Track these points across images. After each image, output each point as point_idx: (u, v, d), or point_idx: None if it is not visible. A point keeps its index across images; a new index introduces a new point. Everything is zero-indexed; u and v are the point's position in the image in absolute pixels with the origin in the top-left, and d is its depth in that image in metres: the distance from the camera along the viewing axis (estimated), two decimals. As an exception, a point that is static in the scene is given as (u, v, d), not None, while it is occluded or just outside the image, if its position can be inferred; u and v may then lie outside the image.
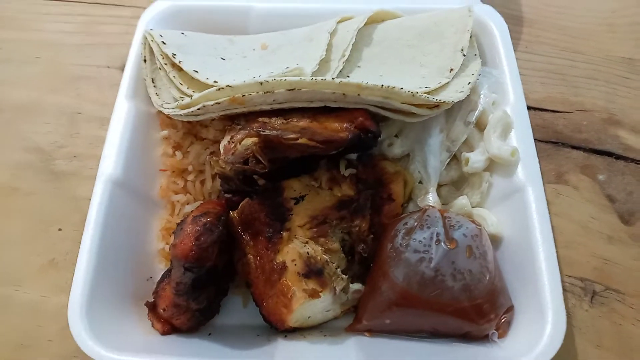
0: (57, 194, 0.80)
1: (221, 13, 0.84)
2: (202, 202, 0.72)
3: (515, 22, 0.98)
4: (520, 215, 0.67)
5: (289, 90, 0.62)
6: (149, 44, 0.76)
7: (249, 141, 0.61)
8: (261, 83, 0.62)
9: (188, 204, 0.74)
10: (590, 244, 0.76)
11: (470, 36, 0.78)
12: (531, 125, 0.84)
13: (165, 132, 0.76)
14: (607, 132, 0.86)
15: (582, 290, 0.73)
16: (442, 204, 0.73)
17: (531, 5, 1.00)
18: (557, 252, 0.73)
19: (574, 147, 0.84)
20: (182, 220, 0.61)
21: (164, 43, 0.73)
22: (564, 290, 0.72)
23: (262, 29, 0.83)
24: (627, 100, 0.89)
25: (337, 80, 0.63)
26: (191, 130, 0.76)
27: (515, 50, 0.92)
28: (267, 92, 0.62)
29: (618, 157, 0.83)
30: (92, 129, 0.86)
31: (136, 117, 0.74)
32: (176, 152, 0.75)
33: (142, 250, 0.71)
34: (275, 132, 0.60)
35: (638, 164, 0.83)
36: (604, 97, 0.89)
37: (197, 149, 0.75)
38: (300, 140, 0.60)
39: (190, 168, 0.74)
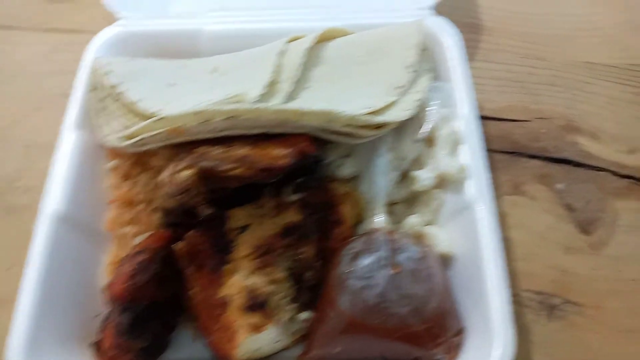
0: (8, 230, 0.79)
1: (172, 37, 0.83)
2: (150, 233, 0.71)
3: (474, 31, 0.97)
4: (470, 233, 0.66)
5: (227, 118, 0.61)
6: (96, 73, 0.75)
7: (187, 173, 0.60)
8: (197, 113, 0.62)
9: (137, 235, 0.72)
10: (548, 255, 0.75)
11: (424, 49, 0.78)
12: (488, 136, 0.84)
13: (112, 163, 0.75)
14: (565, 140, 0.85)
15: (539, 304, 0.72)
16: (395, 223, 0.72)
17: (491, 13, 0.99)
18: (514, 265, 0.74)
19: (531, 157, 0.83)
20: (124, 257, 0.61)
21: (110, 72, 0.72)
22: (522, 305, 0.72)
23: (214, 51, 0.82)
24: (587, 106, 0.88)
25: (275, 107, 0.62)
26: (140, 160, 0.75)
27: (473, 59, 0.93)
28: (205, 121, 0.62)
29: (577, 164, 0.82)
30: (46, 161, 0.85)
31: (82, 148, 0.73)
32: (124, 183, 0.74)
33: (90, 286, 0.70)
34: (212, 163, 0.59)
35: (597, 170, 0.82)
36: (564, 104, 0.88)
37: (145, 179, 0.73)
38: (237, 171, 0.59)
39: (138, 198, 0.73)
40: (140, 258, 0.56)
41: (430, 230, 0.69)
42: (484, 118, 0.87)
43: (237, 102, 0.65)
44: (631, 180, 0.80)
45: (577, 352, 0.69)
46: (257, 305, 0.60)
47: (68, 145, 0.73)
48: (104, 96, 0.73)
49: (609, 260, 0.74)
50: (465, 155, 0.70)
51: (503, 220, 0.78)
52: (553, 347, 0.69)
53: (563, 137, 0.85)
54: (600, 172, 0.81)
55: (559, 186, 0.80)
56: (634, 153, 0.83)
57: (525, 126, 0.86)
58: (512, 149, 0.84)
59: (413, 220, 0.69)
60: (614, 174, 0.81)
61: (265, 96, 0.69)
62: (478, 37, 0.97)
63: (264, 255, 0.64)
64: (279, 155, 0.61)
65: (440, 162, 0.69)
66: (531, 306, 0.72)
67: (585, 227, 0.77)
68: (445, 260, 0.68)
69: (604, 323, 0.71)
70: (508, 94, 0.90)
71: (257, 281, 0.62)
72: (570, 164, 0.82)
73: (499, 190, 0.80)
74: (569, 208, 0.79)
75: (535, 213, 0.78)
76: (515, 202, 0.79)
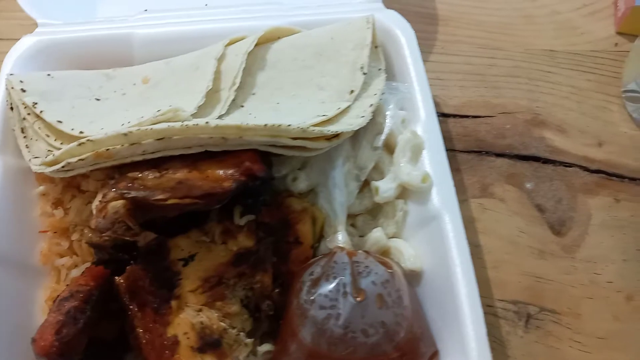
0: None
1: (100, 43, 0.75)
2: (89, 264, 0.63)
3: (429, 22, 0.92)
4: (437, 245, 0.61)
5: (159, 139, 0.54)
6: (12, 91, 0.66)
7: (117, 204, 0.53)
8: (125, 134, 0.54)
9: (76, 266, 0.65)
10: (520, 261, 0.71)
11: (376, 46, 0.72)
12: (452, 135, 0.79)
13: (41, 188, 0.67)
14: (532, 135, 0.81)
15: (515, 314, 0.68)
16: (360, 236, 0.66)
17: (445, 1, 0.94)
18: (485, 274, 0.70)
19: (498, 155, 0.79)
20: (54, 300, 0.53)
21: (24, 90, 0.64)
22: (496, 316, 0.68)
23: (147, 57, 0.74)
24: (551, 97, 0.84)
25: (213, 123, 0.55)
26: (71, 183, 0.67)
27: (430, 52, 0.88)
28: (133, 143, 0.54)
29: (545, 161, 0.78)
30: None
31: (5, 173, 0.65)
32: (56, 210, 0.66)
33: (25, 327, 0.62)
34: (143, 192, 0.52)
35: (566, 166, 0.78)
36: (527, 96, 0.84)
37: (78, 204, 0.66)
38: (170, 201, 0.52)
39: (73, 226, 0.66)
40: (68, 306, 0.49)
41: (396, 244, 0.64)
42: (445, 115, 0.82)
43: (171, 119, 0.57)
44: (601, 175, 0.77)
45: (557, 363, 0.65)
46: (209, 344, 0.54)
47: (-12, 171, 0.64)
48: (22, 117, 0.65)
49: (583, 264, 0.71)
50: (427, 161, 0.65)
51: (472, 226, 0.73)
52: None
53: (529, 132, 0.81)
54: (569, 168, 0.78)
55: (528, 185, 0.76)
56: (602, 146, 0.79)
57: (489, 122, 0.82)
58: (477, 148, 0.79)
59: (377, 235, 0.64)
60: (584, 169, 0.77)
61: (203, 107, 0.63)
62: (433, 28, 0.91)
63: (214, 287, 0.57)
64: (222, 177, 0.54)
65: (401, 171, 0.64)
66: (507, 317, 0.68)
67: (557, 228, 0.73)
68: (413, 277, 0.63)
69: (582, 331, 0.67)
70: (469, 88, 0.85)
71: (208, 317, 0.55)
72: (538, 161, 0.78)
73: (466, 194, 0.75)
74: (540, 208, 0.75)
75: (505, 216, 0.74)
76: (484, 205, 0.75)
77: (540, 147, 0.79)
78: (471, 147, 0.79)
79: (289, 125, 0.56)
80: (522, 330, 0.67)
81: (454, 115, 0.82)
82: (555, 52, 0.89)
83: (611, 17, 0.91)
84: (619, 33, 0.89)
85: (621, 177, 0.77)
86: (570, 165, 0.78)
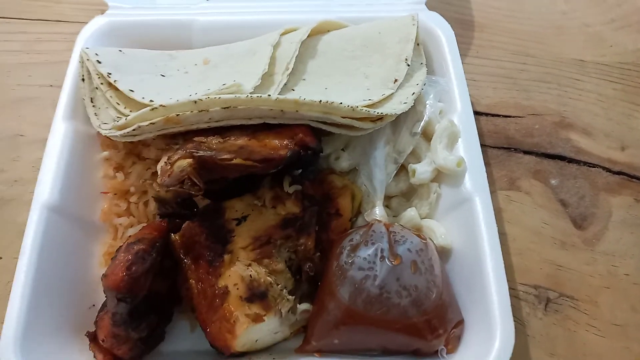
0: (-6, 222, 0.77)
1: (163, 27, 0.82)
2: (144, 224, 0.69)
3: (465, 27, 0.97)
4: (468, 226, 0.66)
5: (225, 108, 0.60)
6: (85, 63, 0.73)
7: (184, 163, 0.59)
8: (195, 102, 0.60)
9: (131, 226, 0.72)
10: (543, 250, 0.76)
11: (418, 44, 0.77)
12: (483, 132, 0.84)
13: (105, 154, 0.73)
14: (558, 136, 0.85)
15: (535, 298, 0.72)
16: (393, 216, 0.72)
17: (481, 9, 1.00)
18: (510, 260, 0.74)
19: (525, 152, 0.84)
20: (119, 247, 0.59)
21: (99, 62, 0.71)
22: (518, 298, 0.72)
23: (206, 42, 0.81)
24: (579, 103, 0.89)
25: (274, 96, 0.61)
26: (133, 150, 0.74)
27: (466, 55, 0.93)
28: (202, 110, 0.61)
29: (570, 160, 0.83)
30: (34, 152, 0.83)
31: (74, 138, 0.72)
32: (117, 174, 0.72)
33: (83, 277, 0.69)
34: (209, 152, 0.58)
35: (590, 166, 0.82)
36: (556, 100, 0.89)
37: (138, 170, 0.72)
38: (235, 161, 0.58)
39: (132, 189, 0.72)
40: (137, 248, 0.55)
41: (428, 224, 0.69)
42: (477, 114, 0.87)
43: (235, 92, 0.63)
44: (623, 177, 0.81)
45: (573, 345, 0.69)
46: (256, 295, 0.59)
47: (59, 136, 0.71)
48: (94, 86, 0.72)
49: (602, 256, 0.75)
50: (462, 149, 0.70)
51: (499, 215, 0.78)
52: (549, 341, 0.70)
53: (556, 133, 0.85)
54: (593, 168, 0.82)
55: (553, 182, 0.81)
56: (625, 149, 0.84)
57: (518, 122, 0.87)
58: (506, 145, 0.84)
59: (411, 214, 0.69)
60: (607, 170, 0.82)
61: (260, 87, 0.69)
62: (469, 34, 0.97)
63: (263, 246, 0.63)
64: (278, 146, 0.60)
65: (437, 156, 0.69)
66: (527, 300, 0.72)
67: (579, 223, 0.78)
68: (443, 254, 0.67)
69: (599, 318, 0.71)
70: (500, 90, 0.90)
71: (257, 272, 0.61)
72: (563, 160, 0.83)
73: (494, 186, 0.80)
74: (563, 203, 0.79)
75: (530, 208, 0.79)
76: (511, 197, 0.79)
77: (566, 147, 0.84)
78: (501, 144, 0.84)
79: (341, 103, 0.62)
80: (542, 313, 0.71)
81: (486, 114, 0.87)
82: (585, 62, 0.93)
83: (638, 32, 0.96)
84: (647, 47, 0.94)
85: (642, 179, 0.81)
86: (594, 165, 0.82)
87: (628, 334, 0.70)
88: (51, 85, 0.89)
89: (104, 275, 0.55)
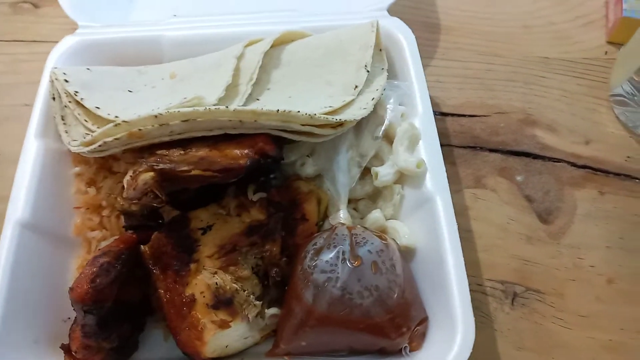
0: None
1: (132, 44, 0.84)
2: (117, 237, 0.71)
3: (433, 31, 0.99)
4: (430, 225, 0.68)
5: (185, 121, 0.62)
6: (55, 82, 0.75)
7: (147, 176, 0.61)
8: (156, 116, 0.62)
9: (104, 239, 0.73)
10: (509, 246, 0.77)
11: (380, 50, 0.79)
12: (449, 132, 0.86)
13: (77, 169, 0.75)
14: (524, 133, 0.87)
15: (502, 293, 0.74)
16: (360, 218, 0.74)
17: (449, 12, 1.02)
18: (476, 256, 0.76)
19: (491, 150, 0.85)
20: (88, 260, 0.61)
21: (67, 81, 0.73)
22: (485, 294, 0.74)
23: (175, 57, 0.83)
24: (543, 99, 0.91)
25: (232, 107, 0.63)
26: (104, 165, 0.76)
27: (432, 58, 0.95)
28: (163, 124, 0.62)
29: (535, 156, 0.85)
30: (13, 171, 0.84)
31: (46, 155, 0.73)
32: (89, 189, 0.74)
33: (59, 291, 0.70)
34: (170, 165, 0.60)
35: (555, 162, 0.84)
36: (521, 98, 0.91)
37: (109, 184, 0.74)
38: (194, 172, 0.60)
39: (104, 203, 0.74)
40: (102, 261, 0.57)
41: (393, 224, 0.71)
42: (444, 114, 0.89)
43: (195, 105, 0.65)
44: (588, 170, 0.83)
45: (540, 338, 0.71)
46: (222, 302, 0.61)
47: (31, 153, 0.73)
48: (63, 105, 0.74)
49: (568, 249, 0.77)
50: (423, 150, 0.72)
51: (465, 213, 0.79)
52: (517, 334, 0.71)
53: (521, 130, 0.87)
54: (558, 163, 0.84)
55: (519, 178, 0.83)
56: (589, 144, 0.85)
57: (484, 121, 0.88)
58: (472, 144, 0.86)
59: (376, 215, 0.71)
60: (571, 164, 0.84)
61: (223, 99, 0.70)
62: (435, 37, 0.99)
63: (229, 253, 0.65)
64: (238, 155, 0.62)
65: (399, 158, 0.71)
66: (494, 295, 0.74)
67: (544, 217, 0.79)
68: (408, 253, 0.69)
69: (565, 309, 0.73)
70: (467, 90, 0.92)
71: (222, 279, 0.63)
72: (529, 157, 0.85)
73: (460, 184, 0.82)
74: (529, 199, 0.81)
75: (497, 205, 0.80)
76: (477, 195, 0.81)
77: (531, 144, 0.86)
78: (467, 143, 0.86)
79: (299, 111, 0.64)
80: (509, 307, 0.73)
81: (452, 114, 0.89)
82: (549, 59, 0.95)
83: (603, 28, 0.98)
84: (609, 42, 0.96)
85: (606, 172, 0.83)
86: (558, 160, 0.84)
87: (593, 323, 0.72)
88: (26, 105, 0.91)
89: (70, 289, 0.57)
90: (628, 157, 0.84)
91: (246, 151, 0.63)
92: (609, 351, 0.70)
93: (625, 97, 0.85)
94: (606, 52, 0.95)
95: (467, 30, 1.00)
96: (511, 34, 0.99)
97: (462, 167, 0.84)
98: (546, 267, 0.76)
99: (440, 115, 0.88)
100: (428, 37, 0.98)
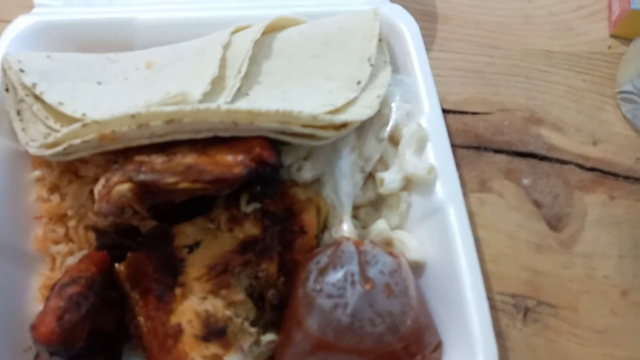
0: None
1: (101, 27, 0.73)
2: (86, 252, 0.62)
3: (429, 19, 0.92)
4: (442, 238, 0.61)
5: (168, 122, 0.53)
6: (8, 71, 0.64)
7: (123, 187, 0.51)
8: (133, 116, 0.53)
9: (72, 254, 0.63)
10: (518, 255, 0.72)
11: (380, 40, 0.72)
12: (451, 130, 0.80)
13: (37, 173, 0.65)
14: (529, 132, 0.81)
15: (514, 307, 0.69)
16: (362, 227, 0.66)
17: (444, 0, 0.94)
18: (485, 267, 0.70)
19: (496, 151, 0.79)
20: (52, 287, 0.52)
21: (22, 71, 0.62)
22: (496, 309, 0.68)
23: (150, 43, 0.73)
24: (548, 96, 0.85)
25: (225, 107, 0.54)
26: (69, 168, 0.65)
27: (430, 49, 0.88)
28: (142, 125, 0.53)
29: (542, 158, 0.79)
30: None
31: (0, 157, 0.63)
32: (52, 195, 0.64)
33: (17, 316, 0.60)
34: (152, 175, 0.51)
35: (562, 164, 0.79)
36: (524, 94, 0.85)
37: (75, 190, 0.64)
38: (181, 185, 0.51)
39: (70, 212, 0.64)
40: (70, 292, 0.47)
41: (400, 236, 0.64)
42: (445, 111, 0.81)
43: (179, 102, 0.56)
44: (597, 173, 0.78)
45: (555, 356, 0.66)
46: (214, 333, 0.53)
47: (-18, 155, 0.62)
48: (19, 98, 0.63)
49: (580, 258, 0.72)
50: (432, 154, 0.65)
51: (471, 219, 0.72)
52: (530, 352, 0.66)
53: (527, 129, 0.81)
54: (565, 165, 0.79)
55: (526, 181, 0.77)
56: (597, 144, 0.81)
57: (487, 119, 0.82)
58: (476, 144, 0.80)
59: (380, 226, 0.64)
60: (580, 166, 0.78)
61: (210, 94, 0.61)
62: (432, 26, 0.92)
63: (220, 275, 0.56)
64: (232, 162, 0.53)
65: (406, 163, 0.64)
66: (505, 310, 0.68)
67: (554, 224, 0.74)
68: (417, 268, 0.63)
69: (579, 325, 0.68)
70: (468, 85, 0.85)
71: (213, 305, 0.55)
72: (535, 158, 0.79)
73: (465, 188, 0.76)
74: (537, 204, 0.75)
75: (504, 211, 0.75)
76: (483, 199, 0.75)
77: (538, 145, 0.80)
78: (470, 143, 0.80)
79: (300, 111, 0.56)
80: (521, 323, 0.68)
81: (454, 112, 0.82)
82: (552, 53, 0.90)
83: (605, 20, 0.93)
84: (612, 36, 0.91)
85: (616, 175, 0.78)
86: (566, 162, 0.79)
87: (609, 339, 0.67)
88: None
89: (32, 326, 0.48)
90: (638, 158, 0.79)
91: (241, 157, 0.54)
92: (627, 369, 0.66)
93: (634, 94, 0.81)
94: (610, 47, 0.90)
95: (464, 19, 0.93)
96: (510, 24, 0.93)
97: (466, 169, 0.77)
98: (558, 278, 0.71)
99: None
100: (423, 26, 0.88)
